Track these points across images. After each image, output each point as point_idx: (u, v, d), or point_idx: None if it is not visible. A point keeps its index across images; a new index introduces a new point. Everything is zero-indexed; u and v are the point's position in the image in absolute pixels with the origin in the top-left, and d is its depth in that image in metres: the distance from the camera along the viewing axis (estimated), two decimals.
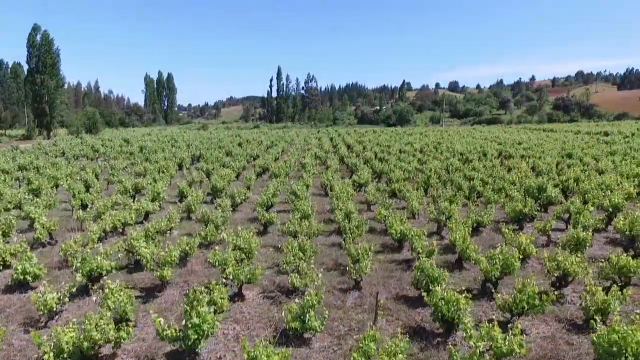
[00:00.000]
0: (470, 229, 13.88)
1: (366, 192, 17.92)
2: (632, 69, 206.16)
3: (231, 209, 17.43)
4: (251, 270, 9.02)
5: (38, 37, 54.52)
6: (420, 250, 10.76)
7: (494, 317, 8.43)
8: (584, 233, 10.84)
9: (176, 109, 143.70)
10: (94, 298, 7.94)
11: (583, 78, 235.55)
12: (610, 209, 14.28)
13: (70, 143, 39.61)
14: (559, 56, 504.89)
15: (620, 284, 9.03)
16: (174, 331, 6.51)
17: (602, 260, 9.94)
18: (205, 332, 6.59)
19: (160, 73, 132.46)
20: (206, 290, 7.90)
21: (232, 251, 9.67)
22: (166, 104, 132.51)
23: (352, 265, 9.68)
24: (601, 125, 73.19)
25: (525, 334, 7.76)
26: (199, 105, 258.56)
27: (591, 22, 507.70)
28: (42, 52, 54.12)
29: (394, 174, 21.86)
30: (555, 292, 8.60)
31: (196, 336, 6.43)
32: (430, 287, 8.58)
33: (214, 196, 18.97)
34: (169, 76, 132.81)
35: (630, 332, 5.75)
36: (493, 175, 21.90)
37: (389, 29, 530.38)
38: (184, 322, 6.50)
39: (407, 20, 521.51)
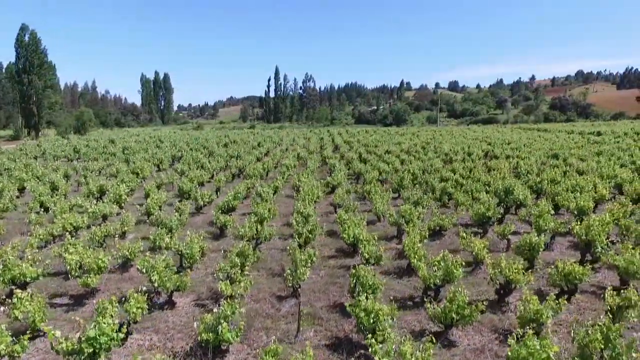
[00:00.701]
0: (429, 232, 13.59)
1: (334, 195, 17.57)
2: (632, 68, 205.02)
3: (195, 211, 17.18)
4: (180, 278, 8.69)
5: (26, 37, 54.37)
6: (367, 256, 10.43)
7: (428, 327, 8.13)
8: (537, 238, 10.47)
9: (177, 108, 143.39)
10: (1, 308, 7.61)
11: (583, 77, 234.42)
12: (576, 212, 13.91)
13: (54, 144, 39.36)
14: (559, 56, 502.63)
15: (558, 293, 8.70)
16: (70, 344, 6.18)
17: (551, 266, 9.59)
18: (104, 345, 6.25)
19: (157, 73, 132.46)
20: (122, 299, 7.59)
21: (162, 258, 9.31)
22: (163, 104, 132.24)
23: (289, 271, 9.34)
24: (596, 125, 72.60)
25: (455, 346, 7.44)
26: (198, 105, 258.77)
27: (591, 22, 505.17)
28: (30, 52, 53.88)
29: (369, 175, 21.50)
30: (484, 302, 8.23)
31: (91, 349, 6.10)
32: (366, 296, 8.27)
33: (182, 198, 18.66)
34: (166, 76, 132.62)
35: (538, 347, 5.40)
36: (470, 176, 21.53)
37: (389, 29, 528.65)
38: (77, 334, 6.17)
39: (407, 20, 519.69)
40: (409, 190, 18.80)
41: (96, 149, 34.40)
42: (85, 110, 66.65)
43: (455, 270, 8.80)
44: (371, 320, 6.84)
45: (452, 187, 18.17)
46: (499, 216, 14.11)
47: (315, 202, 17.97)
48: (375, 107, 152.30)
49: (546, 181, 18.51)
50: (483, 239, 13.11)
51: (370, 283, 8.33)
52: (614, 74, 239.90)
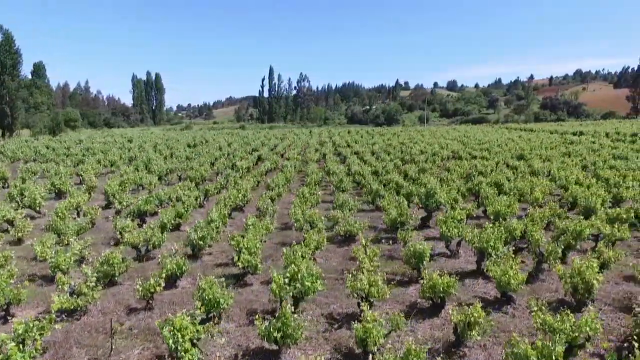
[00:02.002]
0: (340, 238, 13.08)
1: (259, 198, 16.97)
2: (628, 67, 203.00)
3: (115, 216, 16.62)
4: (12, 290, 8.13)
5: (0, 37, 53.98)
6: (241, 265, 9.88)
7: (266, 345, 7.53)
8: (421, 246, 9.87)
9: (176, 108, 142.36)
10: None
11: (581, 77, 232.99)
12: (492, 217, 13.29)
13: (19, 145, 38.90)
14: (558, 56, 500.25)
15: (429, 306, 8.11)
16: None
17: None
18: None
19: (148, 73, 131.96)
20: None
21: (8, 268, 8.76)
22: (155, 104, 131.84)
23: (140, 283, 8.77)
24: (584, 125, 71.70)
25: None
26: (197, 105, 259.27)
27: (590, 22, 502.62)
28: (2, 52, 53.49)
29: (312, 177, 20.93)
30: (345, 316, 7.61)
31: None
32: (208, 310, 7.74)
33: (108, 202, 18.12)
34: (157, 76, 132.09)
35: None
36: (419, 178, 20.91)
37: (388, 29, 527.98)
38: None
39: (407, 20, 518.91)
40: (346, 192, 18.27)
41: (55, 150, 33.91)
42: (68, 111, 66.08)
43: (310, 284, 8.21)
44: (170, 341, 6.25)
45: (385, 190, 17.54)
46: (410, 221, 13.49)
47: (244, 205, 17.46)
48: (369, 107, 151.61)
49: (484, 183, 17.87)
50: (392, 246, 12.65)
51: (210, 297, 7.75)
52: (612, 73, 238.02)
